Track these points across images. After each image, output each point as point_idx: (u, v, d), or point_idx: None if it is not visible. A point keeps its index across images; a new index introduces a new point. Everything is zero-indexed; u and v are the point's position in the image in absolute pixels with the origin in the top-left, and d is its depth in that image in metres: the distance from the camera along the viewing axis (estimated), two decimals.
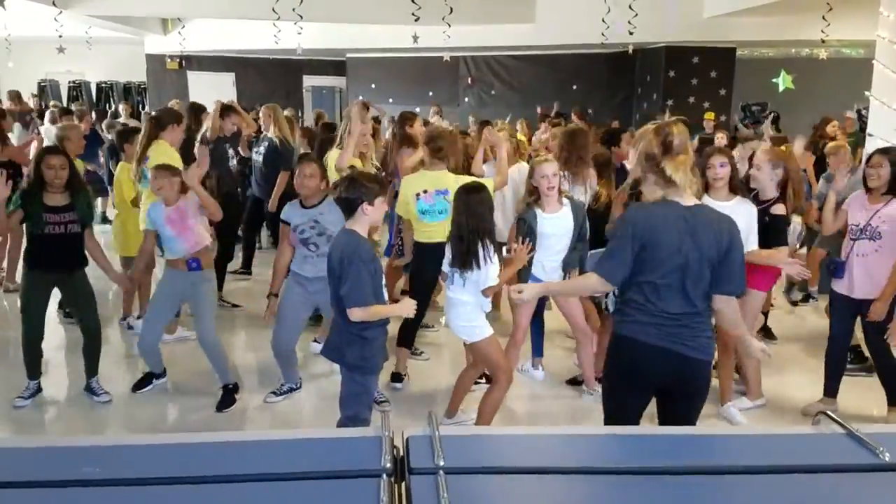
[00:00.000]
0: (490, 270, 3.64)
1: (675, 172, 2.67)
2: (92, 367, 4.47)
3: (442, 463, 1.82)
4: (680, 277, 2.68)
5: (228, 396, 4.49)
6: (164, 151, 5.13)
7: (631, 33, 10.72)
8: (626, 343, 2.80)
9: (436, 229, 4.46)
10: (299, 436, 2.18)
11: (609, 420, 2.88)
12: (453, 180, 4.40)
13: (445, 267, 3.84)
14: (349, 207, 3.24)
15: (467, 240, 3.63)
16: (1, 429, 4.14)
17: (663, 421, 2.90)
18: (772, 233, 4.15)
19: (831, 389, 4.50)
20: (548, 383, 4.91)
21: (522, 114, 12.24)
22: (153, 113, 5.42)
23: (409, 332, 4.74)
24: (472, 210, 3.65)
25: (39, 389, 4.43)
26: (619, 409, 2.88)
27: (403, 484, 1.85)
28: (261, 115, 7.61)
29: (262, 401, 4.55)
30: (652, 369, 2.78)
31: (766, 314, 5.62)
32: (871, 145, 7.37)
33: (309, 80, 18.36)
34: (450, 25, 10.88)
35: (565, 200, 4.28)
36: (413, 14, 10.05)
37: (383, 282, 3.33)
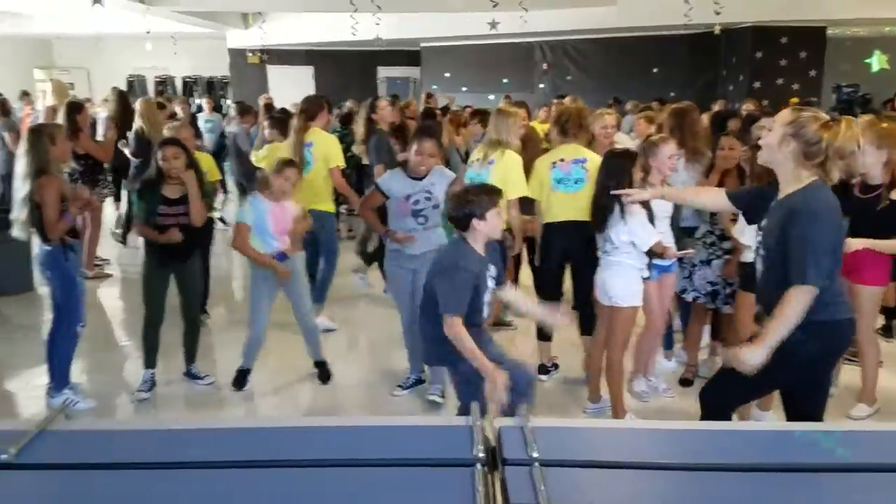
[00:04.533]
0: (640, 228, 3.66)
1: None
2: (191, 354, 4.61)
3: (536, 455, 1.80)
4: None
5: (324, 370, 4.64)
6: (323, 137, 5.51)
7: (717, 13, 10.37)
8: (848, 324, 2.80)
9: (567, 203, 4.29)
10: (391, 423, 2.19)
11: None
12: (590, 153, 4.38)
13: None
14: (460, 225, 3.17)
15: (604, 198, 3.70)
16: (107, 412, 4.32)
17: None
18: (889, 223, 3.75)
19: None
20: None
21: (596, 100, 12.01)
22: (301, 105, 5.65)
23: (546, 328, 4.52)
24: (611, 171, 3.75)
25: (154, 380, 4.53)
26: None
27: (497, 474, 1.84)
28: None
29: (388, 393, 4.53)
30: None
31: (891, 310, 5.26)
32: None
33: (384, 72, 18.51)
34: (527, 10, 10.75)
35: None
36: (491, 0, 10.00)
37: (486, 299, 3.25)
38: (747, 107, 9.03)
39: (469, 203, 3.13)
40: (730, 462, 1.75)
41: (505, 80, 16.09)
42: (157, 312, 4.42)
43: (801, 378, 2.79)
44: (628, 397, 4.25)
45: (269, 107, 7.54)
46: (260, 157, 6.47)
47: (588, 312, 4.27)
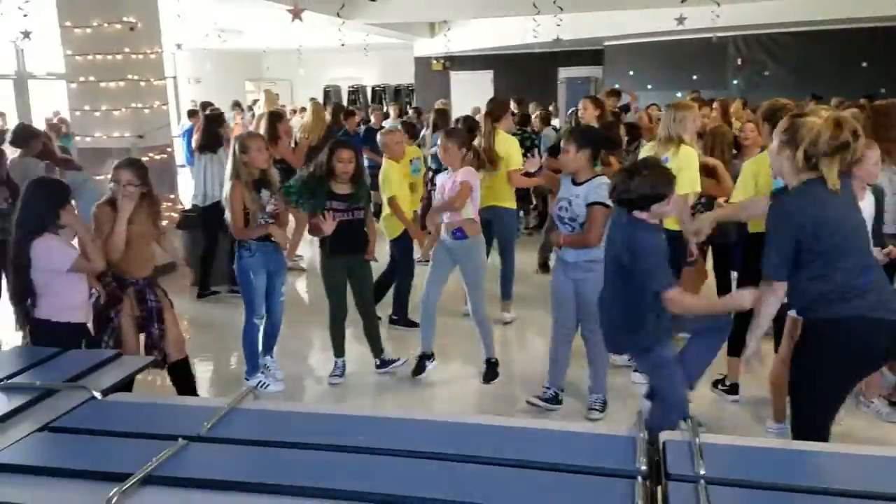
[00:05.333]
0: None
1: None
2: (376, 346, 4.83)
3: (703, 472, 1.72)
4: None
5: (492, 370, 4.68)
6: (504, 138, 5.69)
7: None
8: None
9: None
10: (554, 427, 2.18)
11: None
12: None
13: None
14: (634, 204, 3.04)
15: None
16: (296, 394, 4.67)
17: None
18: None
19: None
20: None
21: (795, 97, 11.09)
22: (487, 107, 5.91)
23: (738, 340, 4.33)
24: None
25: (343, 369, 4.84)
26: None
27: (659, 489, 1.78)
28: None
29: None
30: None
31: None
32: None
33: (564, 72, 18.38)
34: (719, 4, 10.21)
35: (867, 185, 3.74)
36: None
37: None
38: None
39: (656, 182, 3.01)
40: None
41: (694, 77, 15.37)
42: (339, 303, 4.70)
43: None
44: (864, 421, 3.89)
45: (440, 112, 7.80)
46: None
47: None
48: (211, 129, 6.83)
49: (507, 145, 5.63)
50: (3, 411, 2.41)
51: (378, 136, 6.00)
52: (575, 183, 3.99)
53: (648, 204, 3.00)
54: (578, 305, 4.05)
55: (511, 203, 5.73)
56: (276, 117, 6.96)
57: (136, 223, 3.76)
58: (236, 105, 12.62)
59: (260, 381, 4.55)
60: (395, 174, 5.37)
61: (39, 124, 9.38)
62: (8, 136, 6.52)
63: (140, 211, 3.78)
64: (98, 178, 6.53)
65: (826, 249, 2.62)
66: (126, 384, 3.58)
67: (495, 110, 5.78)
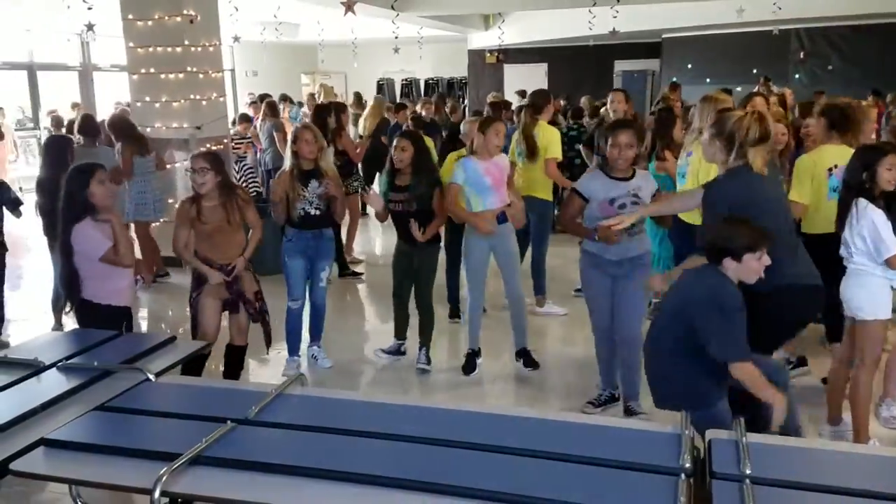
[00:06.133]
0: (880, 230, 3.30)
1: None
2: (425, 339, 4.84)
3: (749, 471, 1.68)
4: None
5: (528, 358, 4.67)
6: (546, 129, 5.68)
7: None
8: None
9: (833, 215, 3.72)
10: (599, 422, 2.17)
11: None
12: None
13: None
14: (714, 257, 2.90)
15: (844, 194, 3.45)
16: (342, 384, 4.72)
17: None
18: None
19: None
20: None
21: (860, 92, 10.71)
22: (527, 101, 5.91)
23: None
24: (854, 165, 3.44)
25: (400, 350, 4.90)
26: None
27: (702, 487, 1.75)
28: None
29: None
30: None
31: None
32: None
33: (620, 65, 18.09)
34: None
35: None
36: None
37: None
38: None
39: (727, 236, 2.86)
40: None
41: (754, 71, 14.96)
42: (399, 289, 4.79)
43: None
44: (875, 423, 3.77)
45: (494, 104, 7.79)
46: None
47: (835, 322, 3.85)
48: None
49: (549, 136, 5.64)
50: (61, 391, 2.51)
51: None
52: (621, 179, 3.83)
53: (742, 253, 2.83)
54: (613, 305, 3.92)
55: (547, 195, 5.72)
56: (340, 108, 7.06)
57: (212, 215, 3.90)
58: (284, 98, 12.80)
59: (296, 363, 4.71)
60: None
61: (103, 115, 9.66)
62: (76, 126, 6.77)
63: (214, 201, 3.91)
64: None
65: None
66: (197, 369, 3.77)
67: (537, 102, 5.81)
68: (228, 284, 3.98)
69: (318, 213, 4.54)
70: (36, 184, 5.40)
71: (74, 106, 12.43)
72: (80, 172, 3.64)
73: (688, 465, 1.75)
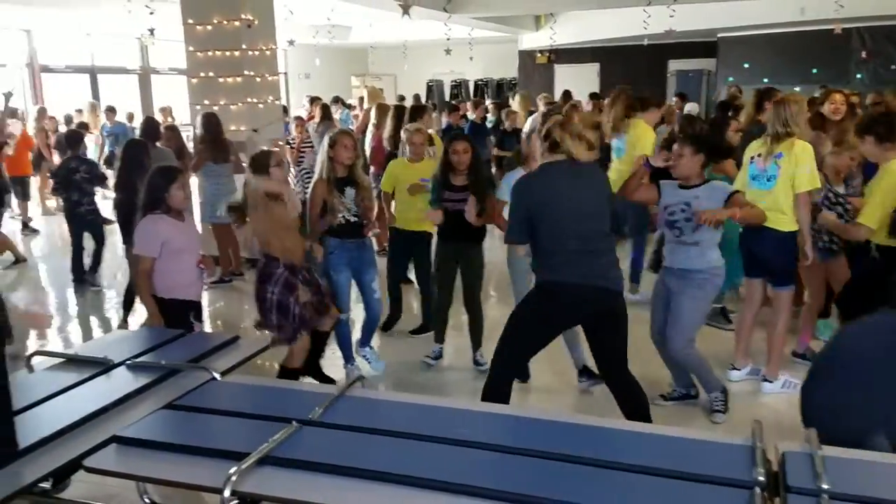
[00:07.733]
0: None
1: None
2: (476, 341, 4.83)
3: (826, 486, 1.63)
4: None
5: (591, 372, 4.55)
6: (643, 128, 5.73)
7: None
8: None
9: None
10: (669, 433, 2.13)
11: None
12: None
13: None
14: None
15: None
16: (394, 387, 4.75)
17: None
18: None
19: None
20: None
21: None
22: (626, 93, 5.95)
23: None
24: None
25: (441, 354, 4.91)
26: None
27: (777, 500, 1.71)
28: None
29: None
30: None
31: None
32: None
33: (675, 65, 17.81)
34: None
35: None
36: None
37: None
38: None
39: None
40: None
41: (814, 71, 14.57)
42: (442, 291, 4.78)
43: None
44: None
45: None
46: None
47: None
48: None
49: (638, 134, 5.68)
50: (130, 389, 2.58)
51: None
52: (682, 187, 3.84)
53: None
54: (666, 315, 3.90)
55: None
56: (400, 111, 7.16)
57: (282, 211, 3.98)
58: (336, 100, 12.94)
59: (354, 369, 4.66)
60: None
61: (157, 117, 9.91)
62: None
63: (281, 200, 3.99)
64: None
65: (548, 225, 3.16)
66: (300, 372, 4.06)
67: (646, 98, 6.00)
68: (313, 286, 4.07)
69: (357, 219, 4.45)
70: (114, 184, 5.96)
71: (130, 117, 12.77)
72: (165, 173, 3.80)
73: (761, 478, 1.71)
